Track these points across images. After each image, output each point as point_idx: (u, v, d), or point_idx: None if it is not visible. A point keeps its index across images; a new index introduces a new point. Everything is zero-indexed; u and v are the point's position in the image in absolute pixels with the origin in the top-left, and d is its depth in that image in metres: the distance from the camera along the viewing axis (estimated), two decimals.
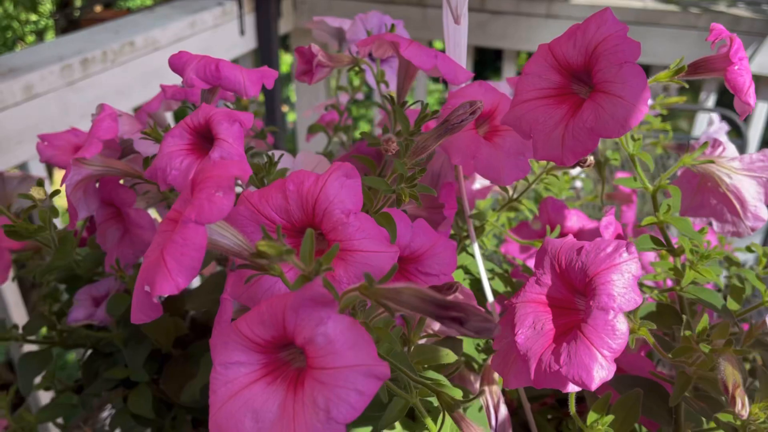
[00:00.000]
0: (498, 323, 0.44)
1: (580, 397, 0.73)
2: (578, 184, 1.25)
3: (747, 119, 1.84)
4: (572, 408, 0.65)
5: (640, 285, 0.96)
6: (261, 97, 2.24)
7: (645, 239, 0.71)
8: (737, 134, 1.93)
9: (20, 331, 0.91)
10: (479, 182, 1.06)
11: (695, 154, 0.76)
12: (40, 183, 0.75)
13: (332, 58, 0.85)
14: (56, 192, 0.75)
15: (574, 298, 0.59)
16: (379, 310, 0.57)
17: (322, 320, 0.45)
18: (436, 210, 0.80)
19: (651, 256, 1.01)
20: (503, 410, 0.77)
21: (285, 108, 3.72)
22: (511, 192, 0.86)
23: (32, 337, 0.91)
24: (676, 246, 0.71)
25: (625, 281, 0.54)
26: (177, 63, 0.68)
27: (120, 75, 1.70)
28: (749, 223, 0.77)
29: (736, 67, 0.65)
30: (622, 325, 0.52)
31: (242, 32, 2.15)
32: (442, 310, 0.45)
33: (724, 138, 1.02)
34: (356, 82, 1.16)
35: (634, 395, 0.67)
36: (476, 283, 0.87)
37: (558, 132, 0.63)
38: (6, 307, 1.49)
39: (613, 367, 0.52)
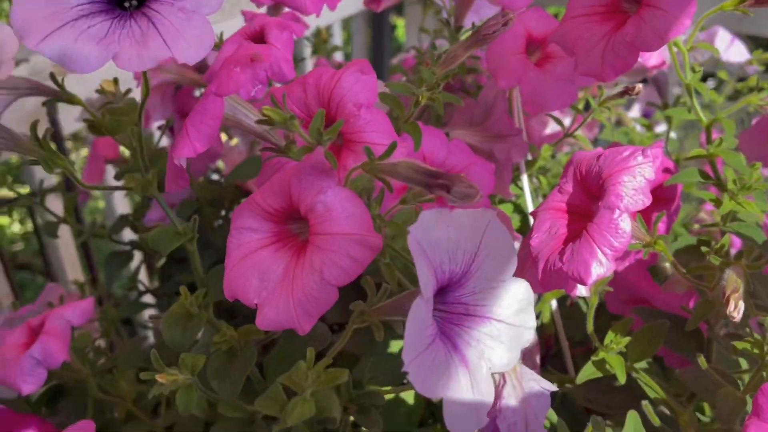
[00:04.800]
0: (480, 192, 0.45)
1: None
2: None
3: None
4: (590, 325, 0.65)
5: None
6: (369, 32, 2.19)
7: (691, 171, 0.69)
8: None
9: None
10: (550, 127, 1.05)
11: (763, 93, 0.72)
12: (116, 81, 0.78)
13: None
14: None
15: (591, 204, 0.59)
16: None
17: (323, 189, 0.49)
18: (496, 139, 0.81)
19: None
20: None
21: None
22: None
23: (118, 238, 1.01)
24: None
25: (636, 183, 0.53)
26: None
27: None
28: None
29: None
30: (625, 224, 0.52)
31: None
32: (432, 179, 0.47)
33: None
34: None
35: (658, 325, 0.65)
36: (527, 221, 0.87)
37: (599, 47, 0.62)
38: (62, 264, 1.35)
39: (612, 266, 0.52)
